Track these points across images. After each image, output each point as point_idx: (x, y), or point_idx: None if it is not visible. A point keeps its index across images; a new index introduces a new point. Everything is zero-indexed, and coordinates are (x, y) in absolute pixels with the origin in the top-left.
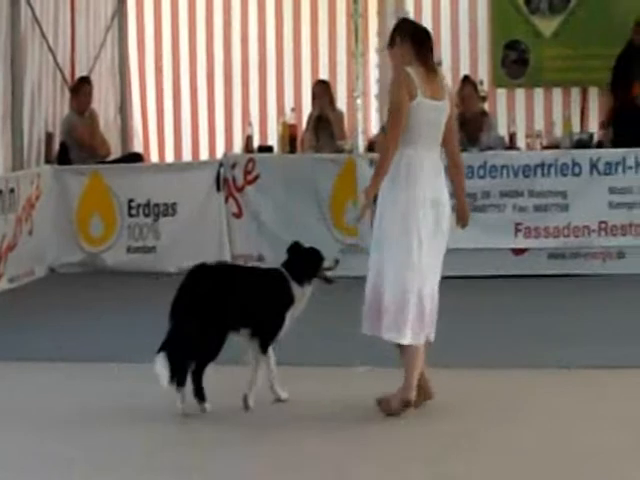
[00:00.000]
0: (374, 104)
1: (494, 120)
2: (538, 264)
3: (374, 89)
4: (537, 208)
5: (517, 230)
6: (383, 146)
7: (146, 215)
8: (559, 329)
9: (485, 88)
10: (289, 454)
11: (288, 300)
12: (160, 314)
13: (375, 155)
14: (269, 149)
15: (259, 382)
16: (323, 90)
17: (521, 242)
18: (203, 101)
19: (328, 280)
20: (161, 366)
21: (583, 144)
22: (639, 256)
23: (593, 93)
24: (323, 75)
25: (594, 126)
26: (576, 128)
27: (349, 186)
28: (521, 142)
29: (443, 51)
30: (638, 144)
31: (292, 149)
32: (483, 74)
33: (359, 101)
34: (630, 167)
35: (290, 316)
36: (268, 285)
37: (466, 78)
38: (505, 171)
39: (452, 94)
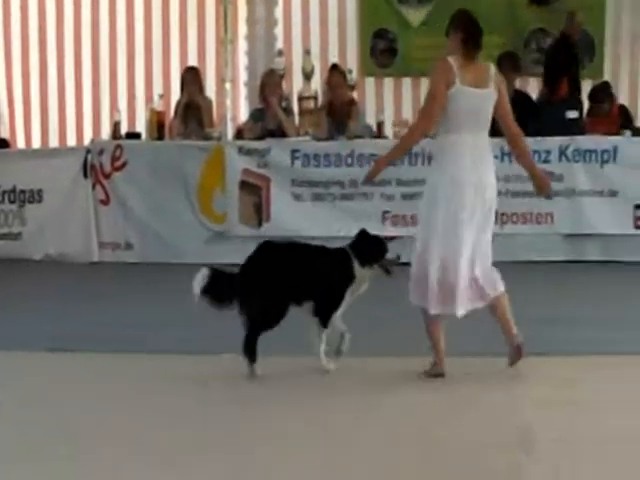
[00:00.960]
0: (243, 91)
1: (362, 109)
2: (405, 253)
3: (243, 76)
4: (404, 196)
5: (385, 218)
6: (412, 126)
7: (11, 202)
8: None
9: (354, 77)
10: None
11: (349, 278)
12: (27, 300)
13: (244, 142)
14: (137, 136)
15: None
16: (192, 77)
17: (389, 230)
18: (70, 87)
19: (388, 271)
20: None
21: None
22: None
23: None
24: (192, 62)
25: None
26: None
27: (217, 173)
28: (389, 131)
29: (312, 40)
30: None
31: (160, 136)
32: (352, 63)
33: (228, 88)
34: (495, 157)
35: (350, 293)
36: (332, 262)
37: (334, 67)
38: (373, 159)
39: (500, 82)
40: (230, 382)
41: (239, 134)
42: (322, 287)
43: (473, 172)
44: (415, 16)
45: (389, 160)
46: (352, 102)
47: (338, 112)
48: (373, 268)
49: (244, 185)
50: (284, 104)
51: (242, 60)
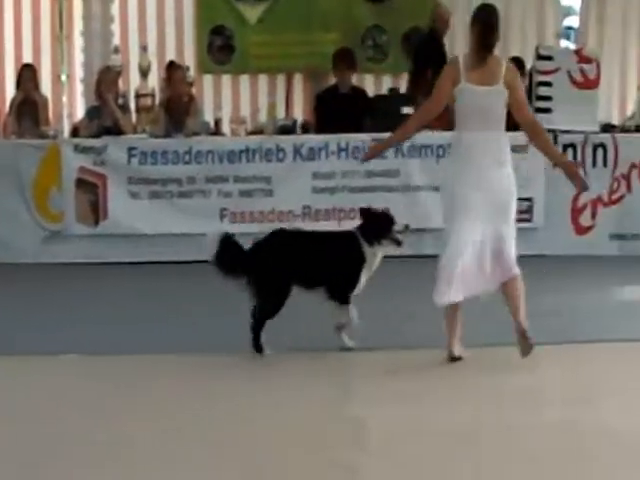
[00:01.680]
0: (79, 88)
1: (200, 106)
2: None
3: (80, 73)
4: (242, 193)
5: (223, 215)
6: (412, 116)
7: None
8: None
9: (192, 74)
10: None
11: (359, 259)
12: None
13: (80, 140)
14: None
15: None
16: (29, 74)
17: (227, 227)
18: None
19: (398, 242)
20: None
21: (287, 130)
22: None
23: (298, 80)
24: (27, 58)
25: (299, 112)
26: (281, 114)
27: (53, 172)
28: (226, 128)
29: (149, 36)
30: (341, 130)
31: None
32: (189, 60)
33: (64, 84)
34: (333, 153)
35: (365, 273)
36: (340, 246)
37: (172, 63)
38: (210, 157)
39: (512, 77)
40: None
41: (75, 132)
42: (333, 272)
43: (476, 169)
44: (252, 13)
45: (385, 147)
46: (190, 99)
47: (176, 109)
48: (382, 244)
49: (80, 183)
50: (121, 101)
51: (78, 57)
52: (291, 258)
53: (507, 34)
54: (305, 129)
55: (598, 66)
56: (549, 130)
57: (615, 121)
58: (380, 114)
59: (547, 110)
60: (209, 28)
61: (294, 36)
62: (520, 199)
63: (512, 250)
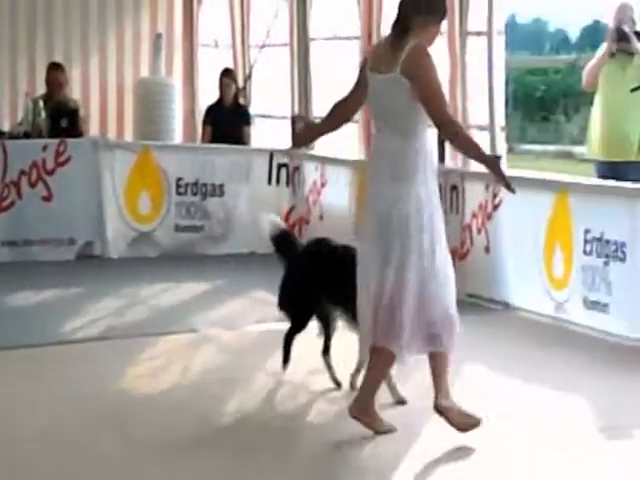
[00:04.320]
0: None
1: None
2: None
3: None
4: None
5: None
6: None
7: None
8: None
9: None
10: None
11: None
12: None
13: None
14: None
15: None
16: None
17: None
18: None
19: None
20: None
21: None
22: None
23: None
24: None
25: None
26: None
27: None
28: None
29: None
30: None
31: None
32: None
33: None
34: None
35: None
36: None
37: None
38: None
39: (414, 62)
40: None
41: None
42: (346, 289)
43: (371, 186)
44: None
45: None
46: None
47: None
48: None
49: None
50: None
51: None
52: (322, 272)
53: None
54: None
55: None
56: None
57: (5, 127)
58: None
59: None
60: None
61: None
62: None
63: (395, 315)
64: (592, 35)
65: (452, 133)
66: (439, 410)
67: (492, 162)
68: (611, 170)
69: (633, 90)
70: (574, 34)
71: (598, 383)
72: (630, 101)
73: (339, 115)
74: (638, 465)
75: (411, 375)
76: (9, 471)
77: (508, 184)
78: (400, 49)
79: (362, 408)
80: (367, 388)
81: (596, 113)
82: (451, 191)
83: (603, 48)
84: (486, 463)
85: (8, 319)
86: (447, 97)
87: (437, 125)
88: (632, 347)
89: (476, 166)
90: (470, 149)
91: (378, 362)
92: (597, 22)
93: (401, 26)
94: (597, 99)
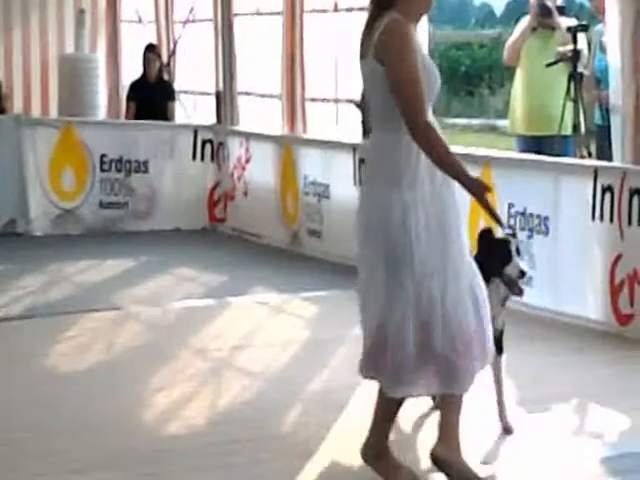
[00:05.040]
0: None
1: None
2: None
3: None
4: None
5: None
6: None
7: None
8: None
9: None
10: None
11: None
12: None
13: None
14: None
15: None
16: None
17: None
18: None
19: (513, 288)
20: None
21: None
22: None
23: None
24: None
25: None
26: None
27: None
28: None
29: None
30: None
31: None
32: None
33: None
34: None
35: None
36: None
37: None
38: None
39: (385, 44)
40: None
41: None
42: None
43: (362, 184)
44: None
45: None
46: None
47: None
48: (494, 284)
49: None
50: None
51: None
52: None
53: None
54: None
55: None
56: None
57: None
58: None
59: None
60: None
61: None
62: None
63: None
64: (517, 9)
65: (426, 143)
66: (435, 459)
67: (478, 191)
68: (534, 144)
69: (549, 65)
70: (499, 9)
71: (520, 356)
72: (552, 75)
73: None
74: (556, 437)
75: None
76: None
77: (498, 219)
78: (374, 27)
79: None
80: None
81: (518, 88)
82: None
83: (525, 22)
84: (401, 424)
85: None
86: None
87: (408, 127)
88: (554, 320)
89: None
90: (450, 169)
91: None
92: None
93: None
94: (519, 74)
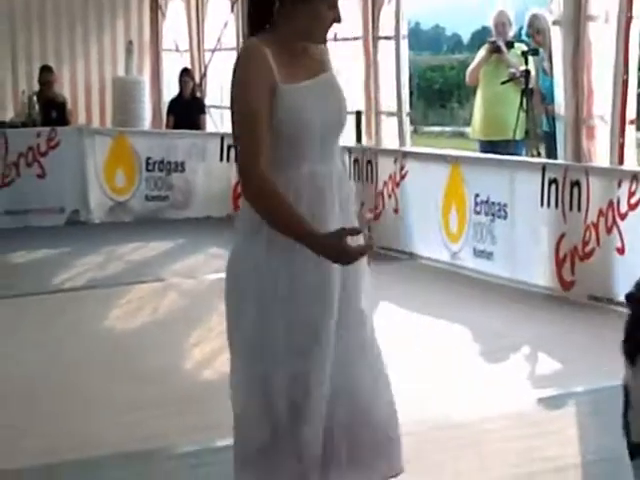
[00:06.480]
0: None
1: None
2: None
3: None
4: None
5: None
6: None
7: None
8: None
9: None
10: None
11: None
12: None
13: None
14: None
15: None
16: None
17: None
18: None
19: None
20: None
21: None
22: None
23: None
24: None
25: None
26: None
27: None
28: None
29: None
30: None
31: None
32: None
33: None
34: None
35: None
36: None
37: None
38: None
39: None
40: None
41: None
42: None
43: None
44: None
45: None
46: None
47: None
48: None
49: None
50: None
51: None
52: None
53: None
54: None
55: None
56: None
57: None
58: None
59: None
60: None
61: None
62: None
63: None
64: (481, 38)
65: (251, 199)
66: None
67: (332, 257)
68: (491, 147)
69: (503, 83)
70: (466, 37)
71: (480, 316)
72: (506, 91)
73: None
74: (508, 384)
75: None
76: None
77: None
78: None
79: None
80: None
81: (478, 102)
82: (367, 165)
83: (482, 53)
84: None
85: (10, 273)
86: (362, 91)
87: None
88: (511, 287)
89: (387, 144)
90: (281, 228)
91: None
92: (484, 27)
93: (250, 19)
94: (479, 92)
